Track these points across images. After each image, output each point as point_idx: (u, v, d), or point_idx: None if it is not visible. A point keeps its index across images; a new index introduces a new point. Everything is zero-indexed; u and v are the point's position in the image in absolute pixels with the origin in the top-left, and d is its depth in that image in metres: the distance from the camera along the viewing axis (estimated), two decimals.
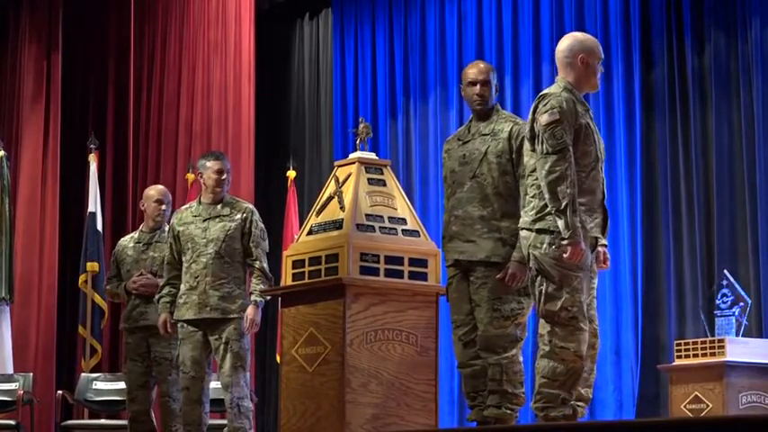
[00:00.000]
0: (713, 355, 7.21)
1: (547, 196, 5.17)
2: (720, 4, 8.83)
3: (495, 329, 5.65)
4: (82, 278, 10.15)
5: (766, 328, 8.13)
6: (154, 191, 7.62)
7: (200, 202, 7.04)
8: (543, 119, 5.22)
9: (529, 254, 5.27)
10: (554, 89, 5.36)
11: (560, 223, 5.14)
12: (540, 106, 5.28)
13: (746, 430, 3.89)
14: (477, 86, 5.83)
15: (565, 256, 5.14)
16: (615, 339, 8.94)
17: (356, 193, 6.53)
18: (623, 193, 8.96)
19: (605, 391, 8.88)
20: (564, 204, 5.12)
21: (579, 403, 5.42)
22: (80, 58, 11.61)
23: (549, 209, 5.20)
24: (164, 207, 7.49)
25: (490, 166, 5.70)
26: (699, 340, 7.47)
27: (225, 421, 6.86)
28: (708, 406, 7.20)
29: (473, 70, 5.91)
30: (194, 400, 6.81)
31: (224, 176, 6.96)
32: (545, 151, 5.18)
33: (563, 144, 5.18)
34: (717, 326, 7.60)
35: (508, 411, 5.69)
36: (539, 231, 5.23)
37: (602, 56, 5.48)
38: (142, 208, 7.67)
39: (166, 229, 7.46)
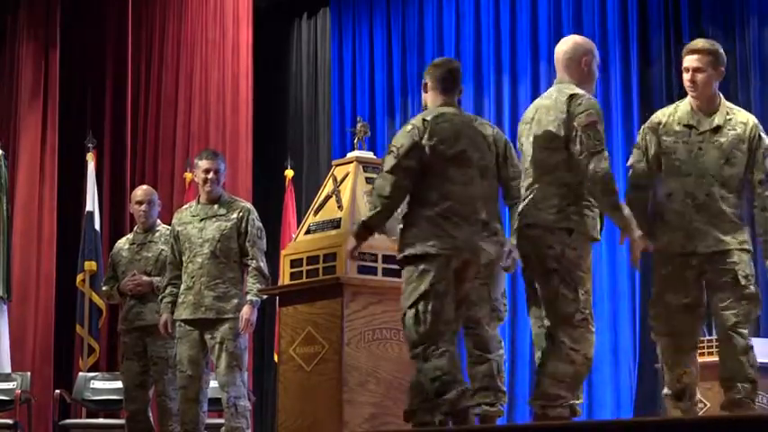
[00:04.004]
0: (711, 354, 7.20)
1: (597, 192, 5.18)
2: (718, 4, 8.83)
3: (492, 330, 5.70)
4: (80, 277, 10.14)
5: (764, 327, 8.13)
6: (135, 192, 7.64)
7: (198, 202, 7.04)
8: (583, 119, 5.21)
9: (543, 253, 5.24)
10: (573, 90, 5.34)
11: (615, 217, 5.19)
12: (574, 106, 5.27)
13: (745, 430, 3.89)
14: None
15: (633, 249, 5.22)
16: (613, 339, 8.95)
17: (354, 192, 6.53)
18: (621, 192, 8.95)
19: (603, 391, 8.89)
20: (615, 199, 5.17)
21: (578, 402, 5.45)
22: (78, 56, 11.59)
23: (572, 208, 5.22)
24: (143, 208, 7.48)
25: None
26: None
27: (223, 420, 6.85)
28: (706, 405, 7.20)
29: None
30: (191, 398, 6.80)
31: (211, 175, 6.94)
32: (590, 150, 5.17)
33: (603, 143, 5.23)
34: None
35: (500, 408, 5.73)
36: (560, 230, 5.22)
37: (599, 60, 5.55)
38: (131, 210, 7.71)
39: (159, 228, 7.48)
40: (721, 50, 5.50)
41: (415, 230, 5.16)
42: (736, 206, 5.40)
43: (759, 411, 6.82)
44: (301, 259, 6.54)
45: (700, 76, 5.41)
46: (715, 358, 7.15)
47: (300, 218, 8.68)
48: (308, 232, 6.66)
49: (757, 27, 8.57)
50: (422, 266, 5.10)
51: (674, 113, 5.49)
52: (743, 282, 5.32)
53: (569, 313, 5.20)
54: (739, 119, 5.44)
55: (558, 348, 5.20)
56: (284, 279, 6.68)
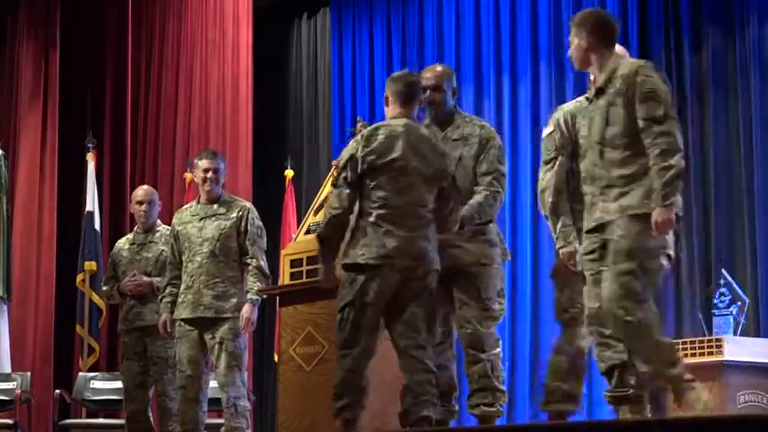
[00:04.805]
0: (711, 354, 7.21)
1: (539, 203, 5.44)
2: (718, 3, 8.82)
3: (485, 329, 5.70)
4: (80, 277, 10.13)
5: (764, 327, 8.13)
6: (136, 192, 7.65)
7: (198, 202, 7.05)
8: (544, 132, 5.46)
9: None
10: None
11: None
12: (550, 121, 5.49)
13: (744, 429, 3.89)
14: (428, 92, 5.81)
15: (559, 260, 5.39)
16: None
17: None
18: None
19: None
20: (545, 213, 5.41)
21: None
22: (78, 56, 11.59)
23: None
24: (143, 208, 7.49)
25: (466, 170, 5.73)
26: (697, 339, 7.46)
27: (223, 420, 6.85)
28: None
29: (426, 75, 5.88)
30: (191, 398, 6.80)
31: (210, 175, 6.95)
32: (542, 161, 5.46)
33: (551, 154, 5.37)
34: (714, 325, 7.60)
35: (500, 408, 5.73)
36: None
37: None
38: (131, 210, 7.71)
39: (159, 229, 7.48)
40: (592, 16, 5.18)
41: (352, 240, 5.35)
42: (626, 165, 4.90)
43: (759, 411, 6.82)
44: (301, 259, 6.54)
45: (570, 51, 5.22)
46: (713, 358, 7.18)
47: (300, 218, 8.68)
48: (308, 232, 6.66)
49: (757, 26, 8.56)
50: (353, 275, 5.31)
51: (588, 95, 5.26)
52: (621, 260, 4.83)
53: (557, 314, 5.52)
54: (621, 71, 5.01)
55: (557, 345, 5.53)
56: (284, 279, 6.68)
